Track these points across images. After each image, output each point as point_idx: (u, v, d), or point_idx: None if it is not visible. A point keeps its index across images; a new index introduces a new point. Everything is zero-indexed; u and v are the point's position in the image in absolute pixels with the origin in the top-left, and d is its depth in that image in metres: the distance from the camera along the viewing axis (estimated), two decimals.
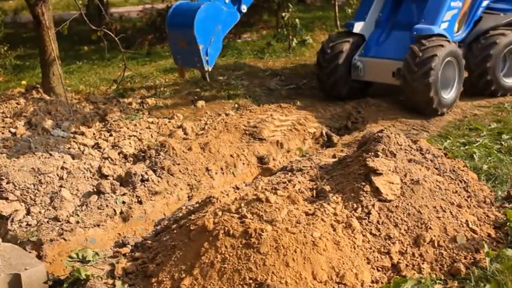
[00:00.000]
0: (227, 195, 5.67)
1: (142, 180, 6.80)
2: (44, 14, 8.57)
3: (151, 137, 8.05)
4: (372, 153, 5.63)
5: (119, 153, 7.48)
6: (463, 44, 9.67)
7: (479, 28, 9.81)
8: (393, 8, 9.97)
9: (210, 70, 6.87)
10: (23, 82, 11.04)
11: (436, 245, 4.88)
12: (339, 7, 16.15)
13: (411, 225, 5.00)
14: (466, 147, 7.35)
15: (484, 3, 9.88)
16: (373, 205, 5.13)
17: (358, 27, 9.86)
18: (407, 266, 4.75)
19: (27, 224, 6.12)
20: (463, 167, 6.15)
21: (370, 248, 4.83)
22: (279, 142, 8.25)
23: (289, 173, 6.31)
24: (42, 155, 7.09)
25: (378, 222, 5.01)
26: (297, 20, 13.47)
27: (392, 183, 5.28)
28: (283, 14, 13.65)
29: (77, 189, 6.63)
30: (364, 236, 4.90)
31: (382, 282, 4.58)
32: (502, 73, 9.68)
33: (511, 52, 9.73)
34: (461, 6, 9.51)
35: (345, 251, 4.63)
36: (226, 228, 4.63)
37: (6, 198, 6.32)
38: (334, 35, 10.64)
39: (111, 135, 7.99)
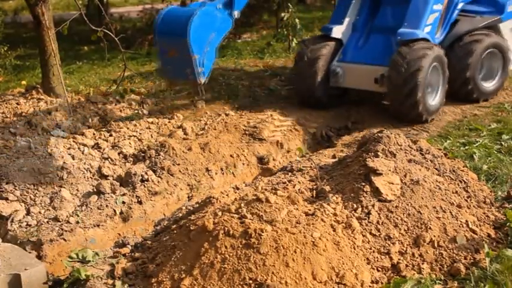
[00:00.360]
0: (227, 195, 5.67)
1: (142, 181, 6.81)
2: (44, 14, 8.57)
3: (151, 137, 8.05)
4: (372, 154, 5.63)
5: (118, 154, 7.48)
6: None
7: (456, 31, 9.46)
8: (371, 11, 9.61)
9: (204, 82, 6.44)
10: (23, 82, 11.04)
11: (436, 245, 4.88)
12: None
13: (411, 226, 5.00)
14: (466, 147, 7.35)
15: (460, 6, 9.50)
16: (373, 205, 5.13)
17: (336, 31, 9.42)
18: (407, 266, 4.75)
19: (27, 224, 6.13)
20: (463, 167, 6.15)
21: (370, 248, 4.83)
22: (279, 142, 8.25)
23: (289, 173, 6.31)
24: (42, 155, 7.09)
25: (377, 222, 5.01)
26: (296, 20, 13.47)
27: (392, 183, 5.28)
28: (283, 14, 13.65)
29: (77, 190, 6.64)
30: (364, 236, 4.90)
31: (382, 283, 4.58)
32: (480, 77, 9.36)
33: (488, 57, 9.41)
34: (442, 9, 9.20)
35: (344, 251, 4.63)
36: (226, 229, 4.63)
37: (6, 199, 6.33)
38: (311, 38, 10.14)
39: (111, 135, 7.99)
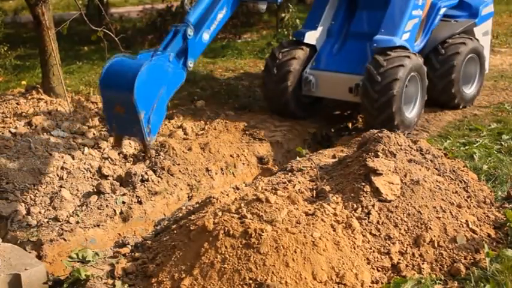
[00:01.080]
0: (227, 195, 5.67)
1: (142, 181, 6.81)
2: (44, 14, 8.57)
3: None
4: (372, 154, 5.63)
5: (118, 154, 7.48)
6: (421, 55, 8.77)
7: (434, 37, 9.05)
8: (346, 16, 9.02)
9: (152, 141, 5.75)
10: (23, 82, 11.03)
11: (436, 245, 4.88)
12: None
13: (411, 226, 5.00)
14: (466, 147, 7.35)
15: (442, 11, 9.06)
16: (373, 205, 5.13)
17: (309, 36, 8.81)
18: (407, 266, 4.75)
19: (27, 224, 6.13)
20: (463, 167, 6.15)
21: (370, 248, 4.84)
22: (279, 142, 8.25)
23: (289, 173, 6.31)
24: (42, 155, 7.09)
25: (377, 222, 5.01)
26: (297, 21, 13.47)
27: (392, 183, 5.28)
28: (283, 14, 13.65)
29: (77, 190, 6.64)
30: (364, 236, 4.90)
31: (382, 283, 4.58)
32: (461, 83, 9.06)
33: (467, 62, 9.09)
34: (421, 15, 8.68)
35: (344, 251, 4.63)
36: (226, 229, 4.63)
37: (6, 199, 6.33)
38: (285, 43, 9.40)
39: (111, 135, 7.99)
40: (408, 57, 7.99)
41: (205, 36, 6.54)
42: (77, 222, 6.13)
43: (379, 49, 8.11)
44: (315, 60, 8.84)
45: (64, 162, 6.98)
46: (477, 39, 9.44)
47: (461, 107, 9.18)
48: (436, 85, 8.84)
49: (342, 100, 8.77)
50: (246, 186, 6.12)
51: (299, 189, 5.54)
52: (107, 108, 5.68)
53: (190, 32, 6.26)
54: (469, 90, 9.37)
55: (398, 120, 7.92)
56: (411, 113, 8.29)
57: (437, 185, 5.42)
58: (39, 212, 6.29)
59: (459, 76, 8.93)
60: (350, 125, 9.11)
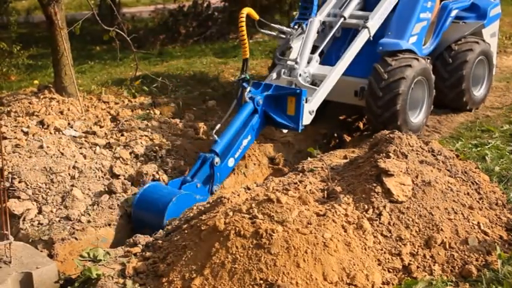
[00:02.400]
0: (238, 195, 5.66)
1: (153, 180, 6.82)
2: (57, 14, 8.60)
3: (163, 136, 8.05)
4: (384, 154, 5.61)
5: (130, 153, 7.49)
6: (430, 58, 8.68)
7: (445, 39, 8.98)
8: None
9: None
10: (36, 81, 11.08)
11: (447, 246, 4.87)
12: None
13: (422, 227, 4.99)
14: (478, 148, 7.32)
15: (454, 13, 8.98)
16: (384, 206, 5.11)
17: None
18: (418, 267, 4.74)
19: (38, 223, 6.15)
20: (475, 168, 6.11)
21: (381, 249, 4.82)
22: (290, 143, 8.24)
23: (300, 174, 6.30)
24: (54, 155, 7.12)
25: (389, 223, 5.00)
26: None
27: (404, 184, 5.26)
28: (295, 13, 13.63)
29: (89, 189, 6.66)
30: (375, 237, 4.89)
31: (393, 284, 4.57)
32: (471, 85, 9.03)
33: (476, 64, 9.06)
34: (430, 18, 8.61)
35: (355, 252, 4.62)
36: (237, 229, 4.63)
37: (18, 197, 6.35)
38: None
39: (122, 135, 8.01)
40: (414, 61, 7.91)
41: (231, 163, 7.00)
42: (89, 222, 6.15)
43: (386, 53, 8.02)
44: (322, 63, 8.49)
45: (76, 162, 7.00)
46: (485, 41, 9.41)
47: (472, 110, 9.16)
48: (446, 95, 8.83)
49: (347, 103, 8.71)
50: (257, 186, 6.11)
51: (310, 190, 5.54)
52: (136, 226, 6.27)
53: (217, 161, 6.76)
54: (479, 92, 9.34)
55: (402, 121, 7.81)
56: (416, 118, 8.20)
57: (449, 187, 5.40)
58: (51, 211, 6.32)
59: (469, 80, 8.88)
60: (361, 125, 9.09)
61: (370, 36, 7.99)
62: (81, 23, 8.59)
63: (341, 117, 9.34)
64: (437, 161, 5.78)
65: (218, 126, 7.11)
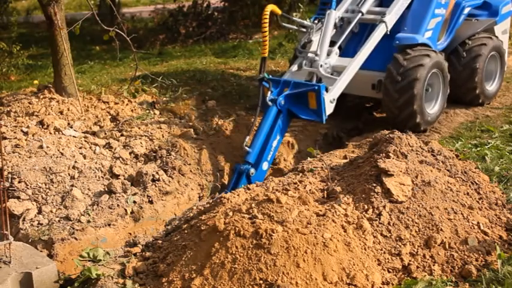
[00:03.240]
0: (238, 195, 5.67)
1: (153, 180, 6.83)
2: (57, 14, 8.60)
3: (163, 136, 8.06)
4: (383, 154, 5.61)
5: (130, 153, 7.50)
6: (444, 54, 9.07)
7: (458, 35, 9.28)
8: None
9: None
10: (35, 82, 11.07)
11: (447, 246, 4.87)
12: None
13: (422, 227, 4.99)
14: (478, 148, 7.32)
15: (466, 10, 9.30)
16: (384, 206, 5.11)
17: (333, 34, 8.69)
18: (418, 267, 4.74)
19: (38, 223, 6.16)
20: (475, 168, 6.12)
21: (381, 249, 4.82)
22: (290, 143, 8.25)
23: (300, 174, 6.30)
24: (53, 155, 7.12)
25: (388, 223, 5.00)
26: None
27: (404, 184, 5.26)
28: (295, 14, 13.64)
29: (88, 189, 6.66)
30: (375, 237, 4.89)
31: (392, 284, 4.57)
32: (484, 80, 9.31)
33: (489, 60, 9.32)
34: (445, 14, 8.92)
35: (355, 252, 4.62)
36: (237, 229, 4.63)
37: (18, 197, 6.36)
38: None
39: (122, 135, 8.01)
40: (428, 55, 8.14)
41: (265, 166, 7.34)
42: (88, 222, 6.16)
43: (401, 46, 8.27)
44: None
45: (75, 162, 7.01)
46: (497, 37, 9.70)
47: (484, 104, 9.45)
48: (459, 81, 9.06)
49: (365, 96, 9.04)
50: (256, 186, 6.11)
51: (310, 190, 5.54)
52: None
53: (252, 171, 7.06)
54: (491, 87, 9.61)
55: (420, 118, 8.10)
56: (433, 109, 8.49)
57: (449, 187, 5.40)
58: (51, 211, 6.32)
59: (482, 75, 9.14)
60: (361, 125, 9.09)
61: (387, 30, 8.26)
62: (81, 23, 8.58)
63: (341, 117, 9.33)
64: (437, 161, 5.78)
65: (248, 138, 7.32)
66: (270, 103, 7.38)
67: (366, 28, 8.72)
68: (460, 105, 9.09)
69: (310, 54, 8.01)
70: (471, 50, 9.14)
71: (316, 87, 7.29)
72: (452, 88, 8.77)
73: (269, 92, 7.47)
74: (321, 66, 7.85)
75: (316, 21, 8.56)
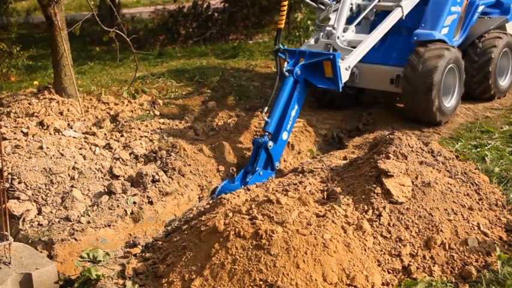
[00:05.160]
0: (238, 196, 5.67)
1: (153, 181, 6.82)
2: (57, 14, 8.60)
3: (163, 137, 8.05)
4: (383, 155, 5.61)
5: (130, 154, 7.50)
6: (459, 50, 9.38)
7: (472, 32, 9.68)
8: (387, 12, 9.09)
9: None
10: (35, 82, 11.08)
11: (447, 247, 4.87)
12: None
13: (422, 228, 4.99)
14: (478, 149, 7.32)
15: (480, 9, 9.73)
16: (384, 207, 5.12)
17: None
18: (418, 268, 4.74)
19: (38, 224, 6.15)
20: (475, 169, 6.12)
21: (381, 250, 4.83)
22: (290, 143, 8.23)
23: (300, 175, 6.31)
24: (53, 155, 7.12)
25: (388, 224, 5.00)
26: (308, 22, 13.45)
27: (404, 185, 5.26)
28: (296, 15, 13.63)
29: (88, 190, 6.65)
30: (374, 238, 4.89)
31: (392, 285, 4.57)
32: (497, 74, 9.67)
33: (501, 56, 9.66)
34: (460, 12, 9.32)
35: (355, 253, 4.62)
36: (237, 230, 4.63)
37: (18, 198, 6.35)
38: None
39: (122, 135, 8.01)
40: (447, 49, 8.54)
41: (285, 136, 7.48)
42: (88, 222, 6.15)
43: (420, 42, 8.64)
44: None
45: (75, 162, 7.00)
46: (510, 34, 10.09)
47: (496, 97, 9.76)
48: (474, 76, 9.40)
49: (383, 91, 9.33)
50: (256, 187, 6.12)
51: (310, 191, 5.54)
52: None
53: (270, 144, 7.18)
54: (503, 82, 9.95)
55: (437, 107, 8.40)
56: (449, 102, 8.78)
57: (449, 187, 5.40)
58: (51, 212, 6.31)
59: (496, 68, 9.45)
60: (361, 126, 9.09)
61: (403, 15, 8.58)
62: (81, 23, 8.55)
63: (341, 118, 9.34)
64: (437, 162, 5.78)
65: (266, 108, 7.43)
66: (286, 74, 7.57)
67: (381, 18, 8.94)
68: (460, 105, 9.09)
69: (327, 28, 8.28)
70: (485, 47, 9.48)
71: (331, 56, 7.51)
72: (467, 83, 9.14)
73: (285, 63, 7.66)
74: (338, 38, 8.13)
75: (334, 2, 8.89)
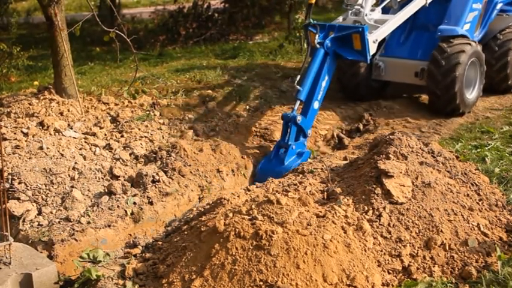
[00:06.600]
0: (238, 196, 5.67)
1: (153, 181, 6.82)
2: (57, 15, 8.59)
3: (163, 138, 8.06)
4: (383, 156, 5.61)
5: (130, 154, 7.50)
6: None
7: (492, 29, 10.16)
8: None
9: None
10: (36, 83, 11.08)
11: (447, 248, 4.87)
12: None
13: (422, 228, 4.99)
14: (478, 150, 7.32)
15: (499, 6, 10.23)
16: (384, 208, 5.11)
17: None
18: (418, 269, 4.74)
19: (38, 224, 6.15)
20: (475, 170, 6.12)
21: (381, 251, 4.82)
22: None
23: (300, 175, 6.30)
24: (53, 156, 7.12)
25: (388, 224, 5.00)
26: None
27: (404, 185, 5.26)
28: (297, 15, 13.64)
29: (88, 190, 6.65)
30: (375, 238, 4.89)
31: (392, 285, 4.57)
32: None
33: None
34: (481, 8, 9.81)
35: (355, 254, 4.62)
36: (237, 230, 4.63)
37: (18, 198, 6.35)
38: None
39: (122, 136, 8.01)
40: (469, 44, 9.05)
41: (316, 105, 7.98)
42: (88, 223, 6.15)
43: (443, 37, 9.17)
44: (384, 48, 9.88)
45: (75, 163, 7.00)
46: None
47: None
48: (493, 66, 9.93)
49: (407, 84, 9.80)
50: (256, 187, 6.12)
51: (310, 191, 5.54)
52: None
53: (299, 118, 7.62)
54: None
55: (460, 100, 8.92)
56: (471, 94, 9.31)
57: (449, 188, 5.40)
58: (51, 212, 6.31)
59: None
60: (361, 126, 9.09)
61: (426, 2, 9.14)
62: (81, 24, 8.57)
63: (341, 118, 9.34)
64: (437, 162, 5.78)
65: (298, 77, 7.90)
66: (317, 46, 8.01)
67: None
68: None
69: (356, 6, 8.72)
70: (505, 38, 10.04)
71: (360, 29, 7.99)
72: (486, 73, 9.62)
73: (316, 36, 8.12)
74: (366, 15, 8.61)
75: None
